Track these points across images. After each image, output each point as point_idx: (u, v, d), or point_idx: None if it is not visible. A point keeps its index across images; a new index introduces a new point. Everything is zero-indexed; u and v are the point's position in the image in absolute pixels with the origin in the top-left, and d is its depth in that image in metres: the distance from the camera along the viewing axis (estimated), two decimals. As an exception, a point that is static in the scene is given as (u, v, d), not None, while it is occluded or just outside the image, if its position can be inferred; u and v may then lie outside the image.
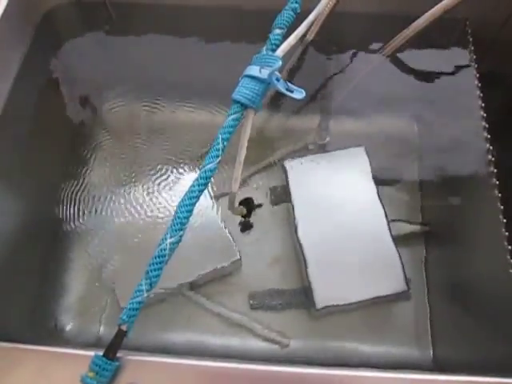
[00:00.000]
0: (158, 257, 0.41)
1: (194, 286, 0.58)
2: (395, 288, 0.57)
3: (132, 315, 0.40)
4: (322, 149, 0.66)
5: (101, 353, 0.39)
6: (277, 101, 0.68)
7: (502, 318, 0.51)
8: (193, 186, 0.44)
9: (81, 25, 0.72)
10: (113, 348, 0.39)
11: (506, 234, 0.49)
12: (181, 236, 0.42)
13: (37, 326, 0.57)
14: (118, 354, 0.40)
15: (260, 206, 0.64)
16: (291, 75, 0.68)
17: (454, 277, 0.58)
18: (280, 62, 0.45)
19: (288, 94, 0.47)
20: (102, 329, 0.57)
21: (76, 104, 0.70)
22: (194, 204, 0.43)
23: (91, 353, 0.39)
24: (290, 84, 0.47)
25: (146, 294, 0.40)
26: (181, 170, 0.65)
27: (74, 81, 0.71)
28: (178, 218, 0.43)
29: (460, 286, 0.57)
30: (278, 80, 0.46)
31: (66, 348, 0.41)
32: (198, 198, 0.44)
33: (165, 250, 0.41)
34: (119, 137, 0.68)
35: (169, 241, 0.42)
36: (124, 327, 0.39)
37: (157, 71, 0.71)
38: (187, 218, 0.43)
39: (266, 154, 0.66)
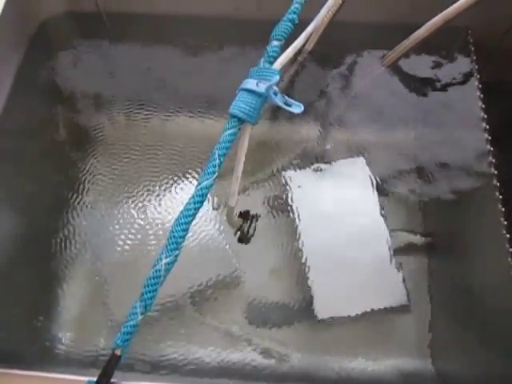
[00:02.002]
0: (153, 278, 0.40)
1: (193, 298, 0.57)
2: (396, 300, 0.57)
3: (126, 339, 0.38)
4: (322, 159, 0.65)
5: (94, 378, 0.38)
6: (276, 110, 0.67)
7: (505, 331, 0.50)
8: (188, 203, 0.43)
9: (76, 35, 0.72)
10: (106, 374, 0.38)
11: (510, 250, 0.48)
12: (176, 256, 0.41)
13: (34, 341, 0.56)
14: (113, 379, 0.39)
15: (259, 217, 0.63)
16: (290, 84, 0.68)
17: (456, 289, 0.58)
18: (278, 77, 0.44)
19: (286, 108, 0.47)
20: (100, 345, 0.56)
21: (71, 115, 0.69)
22: (189, 222, 0.42)
23: (85, 378, 0.39)
24: (287, 98, 0.47)
25: (140, 317, 0.39)
26: (180, 184, 0.64)
27: (69, 92, 0.70)
28: (174, 237, 0.41)
29: (462, 298, 0.57)
30: (275, 94, 0.46)
31: (59, 373, 0.40)
32: (194, 216, 0.43)
33: (160, 270, 0.40)
34: (115, 149, 0.67)
35: (164, 261, 0.40)
36: (118, 352, 0.38)
37: (153, 81, 0.70)
38: (183, 237, 0.42)
39: (266, 164, 0.65)
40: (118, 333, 0.39)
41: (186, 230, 0.42)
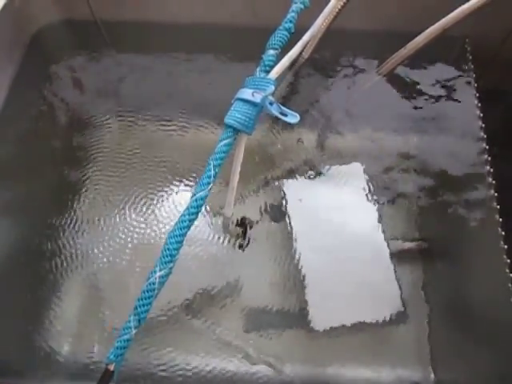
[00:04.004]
0: (147, 291, 0.40)
1: (189, 308, 0.57)
2: (393, 309, 0.56)
3: (120, 354, 0.38)
4: (319, 167, 0.65)
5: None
6: (273, 118, 0.67)
7: (502, 340, 0.50)
8: (183, 215, 0.42)
9: (71, 44, 0.72)
10: (100, 390, 0.38)
11: (508, 260, 0.48)
12: (171, 269, 0.41)
13: (27, 354, 0.55)
14: (106, 394, 0.39)
15: (255, 224, 0.62)
16: (286, 92, 0.67)
17: (453, 297, 0.57)
18: (273, 87, 0.44)
19: (282, 117, 0.46)
20: (95, 357, 0.55)
21: (66, 125, 0.68)
22: (184, 234, 0.42)
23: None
24: (283, 108, 0.46)
25: (134, 331, 0.39)
26: (175, 195, 0.64)
27: (65, 101, 0.69)
28: (168, 249, 0.41)
29: (459, 306, 0.56)
30: (271, 104, 0.45)
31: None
32: (188, 228, 0.42)
33: (154, 284, 0.40)
34: (111, 158, 0.66)
35: (158, 274, 0.40)
36: (111, 367, 0.38)
37: (150, 90, 0.70)
38: (177, 249, 0.41)
39: (262, 172, 0.65)
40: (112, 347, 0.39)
41: (181, 242, 0.42)
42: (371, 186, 0.62)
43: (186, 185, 0.64)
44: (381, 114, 0.67)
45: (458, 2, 0.53)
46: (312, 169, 0.64)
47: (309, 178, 0.63)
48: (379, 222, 0.59)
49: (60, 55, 0.71)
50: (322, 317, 0.55)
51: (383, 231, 0.58)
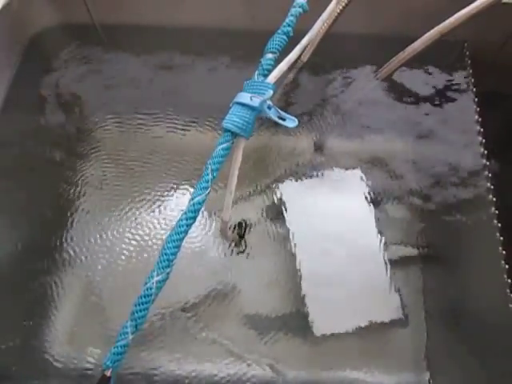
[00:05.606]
0: (144, 296, 0.39)
1: (187, 312, 0.57)
2: (392, 315, 0.56)
3: (117, 360, 0.38)
4: (318, 171, 0.65)
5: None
6: (271, 122, 0.67)
7: (500, 346, 0.50)
8: (181, 219, 0.42)
9: (70, 47, 0.72)
10: (96, 396, 0.37)
11: (506, 266, 0.48)
12: (168, 273, 0.41)
13: (24, 358, 0.55)
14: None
15: (254, 228, 0.62)
16: (285, 96, 0.67)
17: (452, 303, 0.57)
18: (271, 91, 0.44)
19: (280, 122, 0.46)
20: (92, 361, 0.55)
21: (65, 128, 0.68)
22: (182, 239, 0.42)
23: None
24: (282, 112, 0.46)
25: (131, 337, 0.39)
26: (174, 198, 0.63)
27: (63, 105, 0.69)
28: (166, 254, 0.41)
29: (458, 313, 0.56)
30: (269, 108, 0.45)
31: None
32: (186, 232, 0.42)
33: (151, 288, 0.40)
34: (111, 161, 0.66)
35: (155, 279, 0.40)
36: (108, 373, 0.38)
37: (149, 93, 0.70)
38: (175, 254, 0.41)
39: (261, 176, 0.65)
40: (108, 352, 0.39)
41: (179, 247, 0.42)
42: (370, 191, 0.62)
43: (184, 189, 0.64)
44: (379, 119, 0.67)
45: (456, 7, 0.54)
46: (310, 173, 0.64)
47: (307, 182, 0.63)
48: (378, 227, 0.59)
49: (58, 58, 0.70)
50: (321, 322, 0.55)
51: (382, 236, 0.58)
